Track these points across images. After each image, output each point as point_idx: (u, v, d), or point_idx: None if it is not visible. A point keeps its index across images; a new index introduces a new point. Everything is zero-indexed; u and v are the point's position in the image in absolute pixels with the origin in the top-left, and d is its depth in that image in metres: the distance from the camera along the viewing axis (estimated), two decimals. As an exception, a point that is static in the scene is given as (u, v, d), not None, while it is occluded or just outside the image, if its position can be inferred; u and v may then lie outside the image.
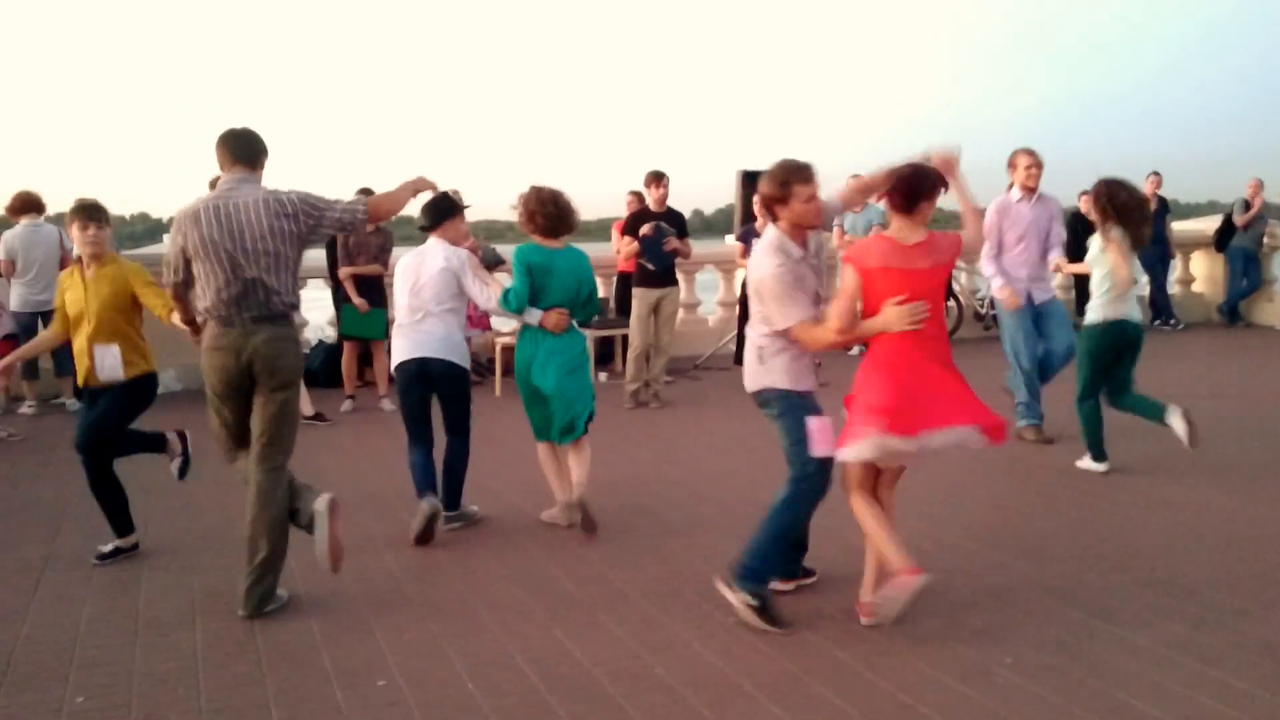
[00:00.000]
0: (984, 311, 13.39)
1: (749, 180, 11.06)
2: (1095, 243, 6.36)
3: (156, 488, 5.91)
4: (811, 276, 4.22)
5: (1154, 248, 13.49)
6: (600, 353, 10.89)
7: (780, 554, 4.27)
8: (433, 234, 5.65)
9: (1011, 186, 7.34)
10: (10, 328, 9.00)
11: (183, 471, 5.43)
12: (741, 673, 3.74)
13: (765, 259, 4.12)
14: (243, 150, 4.44)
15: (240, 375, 4.37)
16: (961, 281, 13.57)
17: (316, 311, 10.51)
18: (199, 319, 4.50)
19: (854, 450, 4.02)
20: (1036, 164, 7.20)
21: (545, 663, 3.86)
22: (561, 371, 5.41)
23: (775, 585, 4.37)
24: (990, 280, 7.58)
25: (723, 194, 11.87)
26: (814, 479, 4.14)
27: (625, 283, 10.02)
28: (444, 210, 5.67)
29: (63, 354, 9.25)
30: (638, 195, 10.30)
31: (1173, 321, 13.54)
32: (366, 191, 9.36)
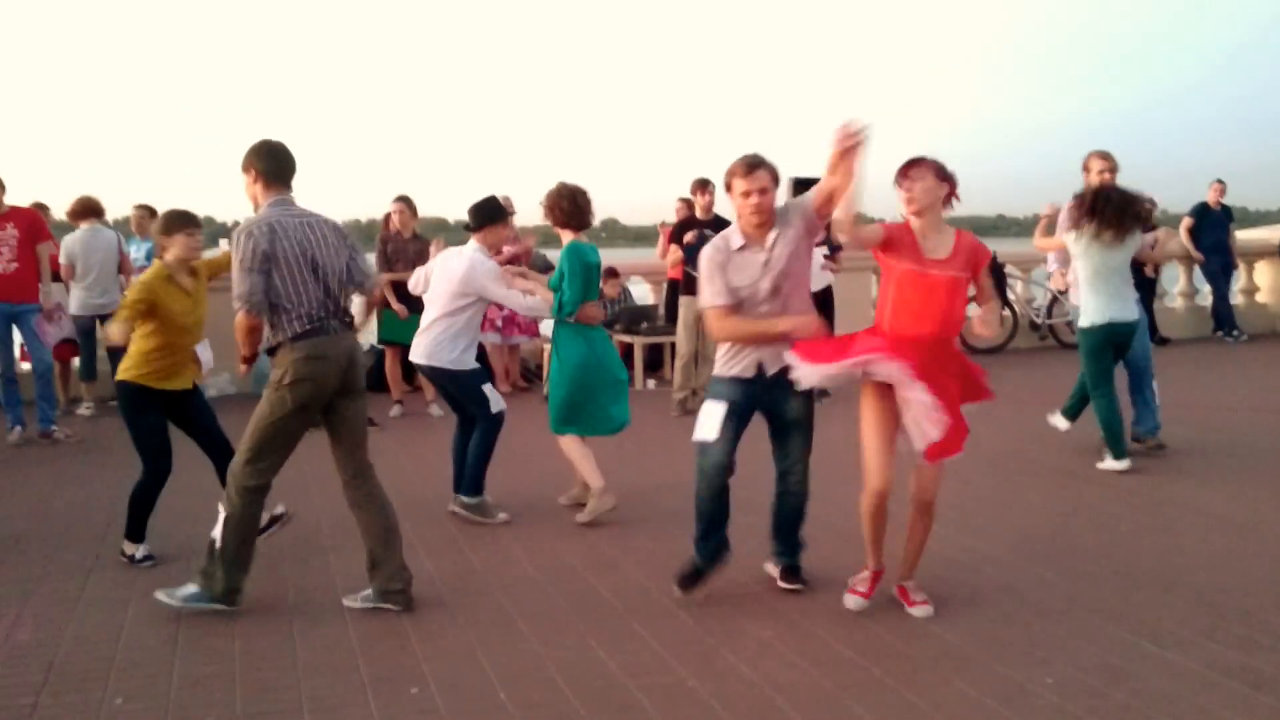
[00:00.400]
0: (1040, 321, 13.19)
1: (800, 187, 10.98)
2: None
3: (204, 491, 5.98)
4: (755, 271, 4.33)
5: (1216, 257, 13.23)
6: (649, 360, 10.89)
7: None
8: (474, 235, 5.87)
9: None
10: (69, 331, 9.19)
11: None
12: (775, 688, 3.69)
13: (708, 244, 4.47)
14: (291, 170, 4.52)
15: (337, 383, 4.43)
16: (1017, 290, 13.37)
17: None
18: (273, 340, 4.46)
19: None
20: (1110, 168, 7.07)
21: (578, 673, 3.85)
22: None
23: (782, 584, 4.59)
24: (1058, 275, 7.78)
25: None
26: None
27: (674, 290, 10.01)
28: (487, 214, 5.88)
29: (119, 357, 9.46)
30: (686, 202, 10.29)
31: (1235, 333, 13.23)
32: (403, 200, 9.49)
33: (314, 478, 6.64)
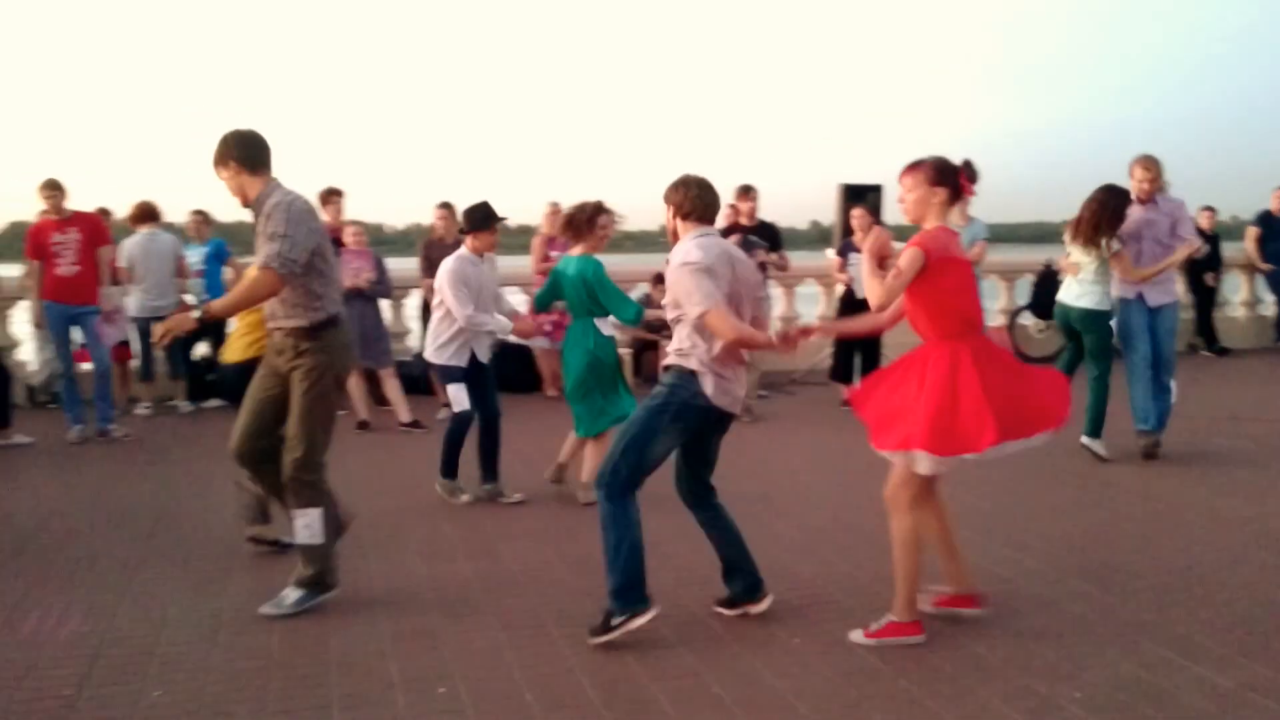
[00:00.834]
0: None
1: (852, 195, 10.96)
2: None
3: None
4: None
5: (1280, 266, 12.94)
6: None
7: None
8: (466, 238, 6.35)
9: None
10: (126, 333, 9.42)
11: None
12: (800, 696, 3.69)
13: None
14: (270, 153, 4.55)
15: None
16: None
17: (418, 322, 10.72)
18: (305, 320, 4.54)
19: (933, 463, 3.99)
20: (1148, 178, 7.12)
21: (605, 677, 3.88)
22: None
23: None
24: None
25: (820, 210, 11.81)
26: None
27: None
28: (476, 219, 6.33)
29: (176, 356, 9.69)
30: (732, 208, 10.29)
31: (1300, 343, 12.93)
32: (446, 206, 9.59)
33: (355, 478, 6.76)
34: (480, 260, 6.37)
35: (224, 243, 10.13)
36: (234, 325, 6.98)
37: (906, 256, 3.96)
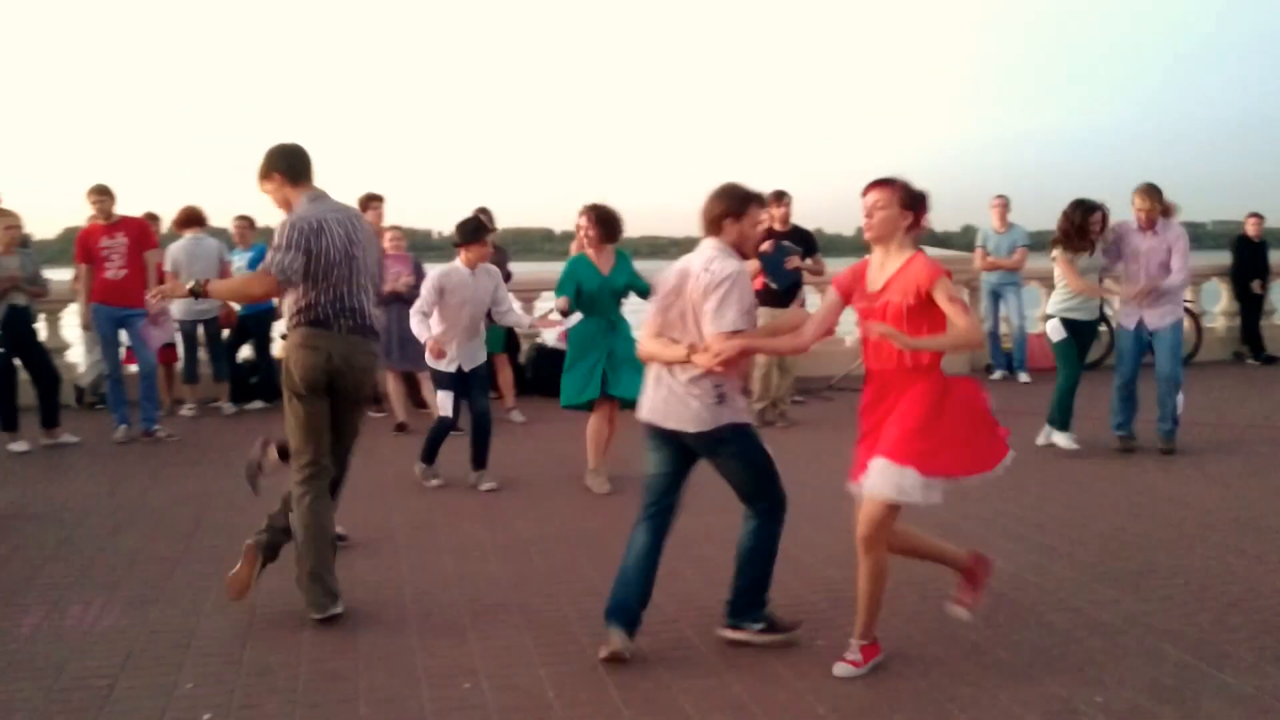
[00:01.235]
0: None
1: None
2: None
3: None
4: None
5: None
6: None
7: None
8: (459, 250, 6.64)
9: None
10: (171, 336, 9.61)
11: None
12: (820, 698, 3.71)
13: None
14: (312, 164, 4.78)
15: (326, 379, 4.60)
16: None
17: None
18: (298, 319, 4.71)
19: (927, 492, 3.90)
20: (1145, 206, 7.54)
21: (627, 676, 3.92)
22: None
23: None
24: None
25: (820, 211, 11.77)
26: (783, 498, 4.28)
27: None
28: (467, 233, 6.62)
29: (220, 359, 9.88)
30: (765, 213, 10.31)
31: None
32: (484, 211, 9.67)
33: (390, 478, 6.87)
34: (473, 272, 6.59)
35: (267, 247, 10.26)
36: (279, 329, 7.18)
37: (951, 284, 3.84)
